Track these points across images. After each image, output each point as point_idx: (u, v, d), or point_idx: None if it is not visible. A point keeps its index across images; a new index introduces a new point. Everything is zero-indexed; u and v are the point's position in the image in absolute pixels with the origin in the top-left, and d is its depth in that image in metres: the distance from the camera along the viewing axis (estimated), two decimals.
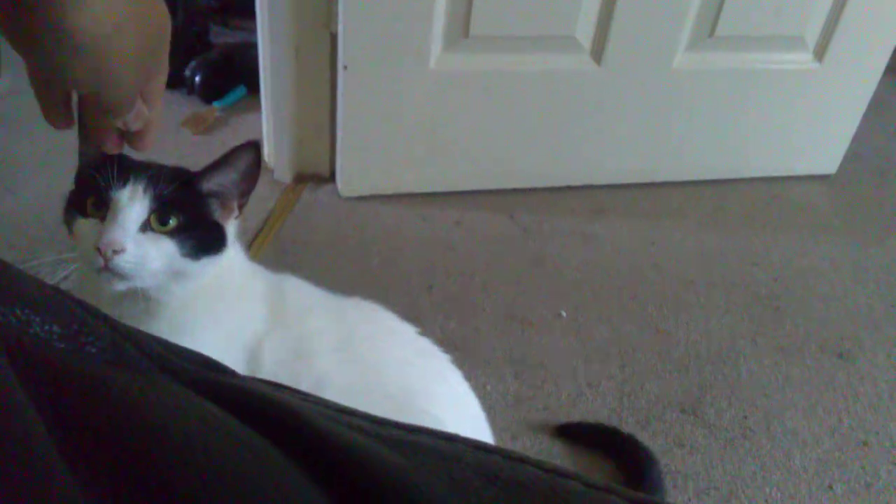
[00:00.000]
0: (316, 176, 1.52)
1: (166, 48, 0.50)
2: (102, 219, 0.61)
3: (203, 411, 0.34)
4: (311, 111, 1.45)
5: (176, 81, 1.72)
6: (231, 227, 0.70)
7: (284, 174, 1.50)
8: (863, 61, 1.60)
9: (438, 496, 0.33)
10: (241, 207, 0.70)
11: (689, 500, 0.96)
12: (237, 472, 0.31)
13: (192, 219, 0.64)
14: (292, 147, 1.48)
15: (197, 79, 1.71)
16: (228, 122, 1.67)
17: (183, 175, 0.66)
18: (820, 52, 1.57)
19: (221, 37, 2.01)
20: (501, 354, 1.15)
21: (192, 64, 1.72)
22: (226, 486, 0.31)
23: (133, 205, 0.61)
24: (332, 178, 1.51)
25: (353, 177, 1.47)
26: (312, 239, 1.36)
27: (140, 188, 0.62)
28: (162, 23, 0.48)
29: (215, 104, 1.69)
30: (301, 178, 1.52)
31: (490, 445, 0.40)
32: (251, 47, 1.49)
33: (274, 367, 0.71)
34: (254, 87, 1.55)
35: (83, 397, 0.31)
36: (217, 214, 0.68)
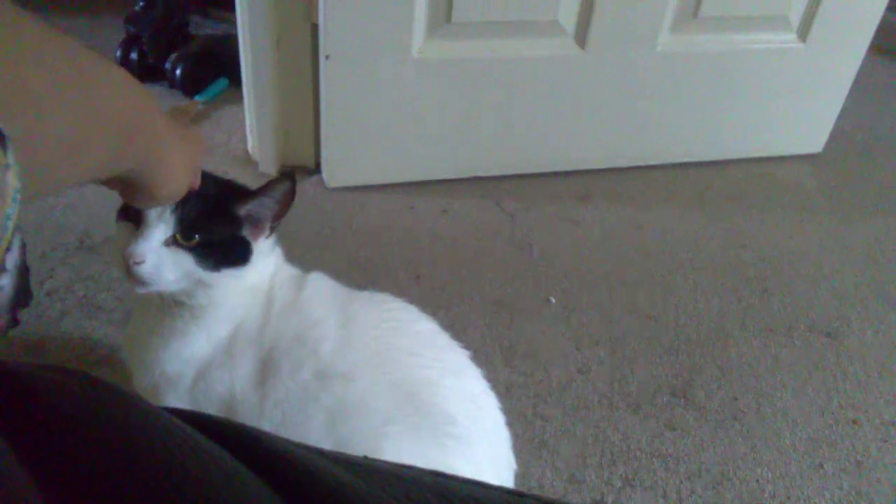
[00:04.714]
0: (301, 167, 1.51)
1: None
2: (137, 225, 0.67)
3: (162, 419, 0.34)
4: (294, 103, 1.44)
5: (156, 75, 1.70)
6: (262, 245, 0.75)
7: (269, 166, 1.48)
8: (846, 40, 1.60)
9: None
10: (272, 229, 0.76)
11: (681, 482, 0.96)
12: (202, 478, 0.31)
13: (217, 237, 0.70)
14: (276, 139, 1.47)
15: (178, 72, 1.68)
16: (211, 115, 1.65)
17: (220, 192, 0.71)
18: (804, 32, 1.56)
19: (202, 28, 1.98)
20: (491, 343, 1.15)
21: (173, 57, 1.70)
22: (190, 488, 0.30)
23: (160, 223, 0.66)
24: (317, 169, 1.50)
25: (338, 167, 1.46)
26: (299, 230, 1.35)
27: (169, 208, 0.66)
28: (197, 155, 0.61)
29: (197, 97, 1.67)
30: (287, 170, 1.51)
31: (448, 473, 0.42)
32: (232, 39, 1.47)
33: (278, 354, 0.74)
34: (236, 79, 1.53)
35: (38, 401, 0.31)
36: (248, 234, 0.73)
